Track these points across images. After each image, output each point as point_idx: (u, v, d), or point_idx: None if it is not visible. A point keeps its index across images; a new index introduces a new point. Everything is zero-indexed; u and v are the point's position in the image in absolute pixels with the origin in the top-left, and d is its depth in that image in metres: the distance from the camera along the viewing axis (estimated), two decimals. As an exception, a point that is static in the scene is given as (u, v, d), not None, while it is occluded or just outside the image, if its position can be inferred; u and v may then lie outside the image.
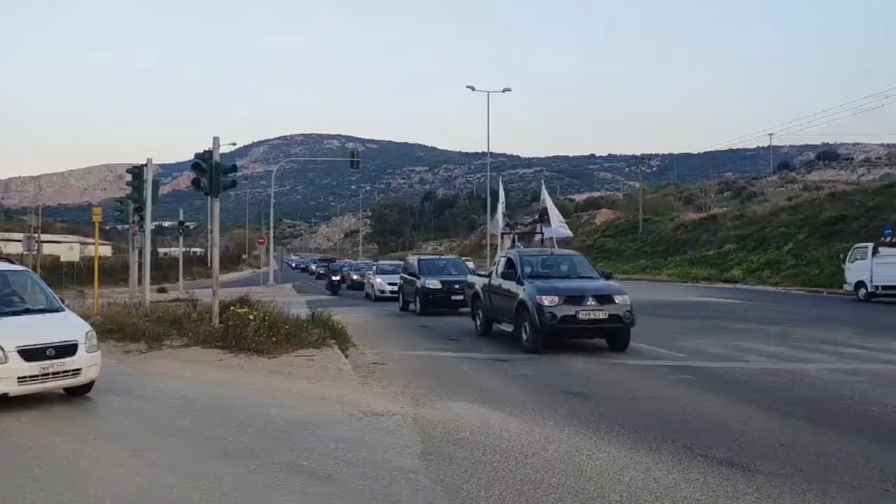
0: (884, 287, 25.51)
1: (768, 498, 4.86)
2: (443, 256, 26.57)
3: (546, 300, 11.56)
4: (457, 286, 19.41)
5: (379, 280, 28.46)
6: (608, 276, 13.79)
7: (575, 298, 11.67)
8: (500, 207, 21.81)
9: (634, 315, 11.96)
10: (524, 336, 12.01)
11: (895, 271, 25.30)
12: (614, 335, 12.06)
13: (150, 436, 6.58)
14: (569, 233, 20.29)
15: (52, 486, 5.07)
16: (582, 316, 11.53)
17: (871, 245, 26.88)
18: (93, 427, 7.10)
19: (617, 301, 11.80)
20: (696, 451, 6.00)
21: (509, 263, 13.58)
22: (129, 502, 4.80)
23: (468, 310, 18.04)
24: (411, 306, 21.76)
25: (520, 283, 12.58)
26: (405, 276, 22.94)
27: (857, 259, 27.39)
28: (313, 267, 72.78)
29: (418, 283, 20.88)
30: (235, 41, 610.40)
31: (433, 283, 20.46)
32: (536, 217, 19.66)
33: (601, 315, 11.61)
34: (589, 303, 11.62)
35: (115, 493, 4.93)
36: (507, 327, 13.08)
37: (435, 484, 5.11)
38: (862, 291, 26.50)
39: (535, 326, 11.61)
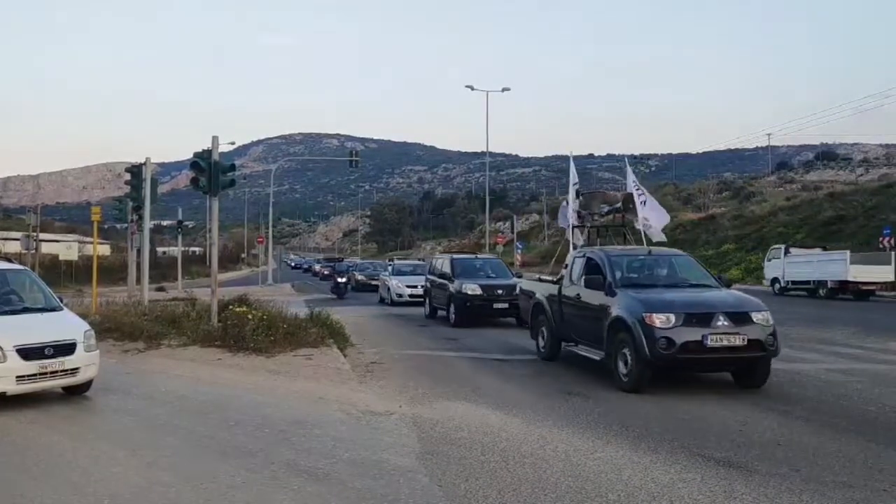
0: (793, 283, 29.92)
1: (765, 497, 4.87)
2: (479, 256, 22.16)
3: (658, 319, 8.36)
4: (500, 292, 16.80)
5: (396, 282, 25.07)
6: (728, 284, 10.37)
7: (699, 317, 8.44)
8: (571, 192, 16.36)
9: (779, 340, 8.89)
10: (622, 368, 8.78)
11: (802, 269, 29.60)
12: (751, 368, 8.84)
13: (149, 435, 6.58)
14: (666, 219, 15.08)
15: (51, 485, 5.08)
16: (712, 342, 8.25)
17: (783, 247, 31.63)
18: (91, 426, 7.10)
19: (756, 320, 8.57)
20: (693, 450, 6.01)
21: (592, 266, 10.20)
22: (128, 501, 4.80)
23: (511, 320, 16.72)
24: (440, 313, 18.74)
25: (610, 293, 9.35)
26: (433, 278, 19.58)
27: (772, 258, 31.67)
28: (317, 267, 65.46)
29: (452, 288, 17.50)
30: (235, 40, 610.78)
31: (472, 288, 16.97)
32: (619, 205, 14.87)
33: (738, 341, 8.35)
34: (720, 323, 8.36)
35: (114, 492, 4.94)
36: (589, 353, 9.92)
37: (433, 483, 5.12)
38: (776, 286, 30.73)
39: (643, 357, 8.36)
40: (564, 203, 16.93)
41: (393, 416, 7.25)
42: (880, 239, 31.36)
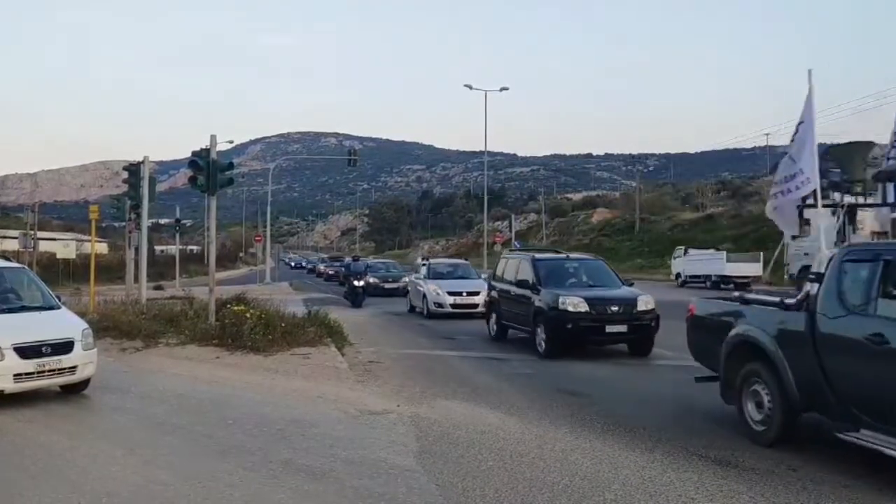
0: (690, 277, 37.34)
1: (762, 497, 4.88)
2: (571, 256, 15.20)
3: None
4: (614, 309, 11.66)
5: (434, 288, 19.49)
6: None
7: None
8: (812, 152, 8.46)
9: None
10: None
11: (696, 266, 36.94)
12: None
13: (147, 433, 6.58)
14: None
15: (49, 484, 5.08)
16: None
17: (684, 247, 39.76)
18: (89, 425, 7.11)
19: None
20: (690, 450, 6.03)
21: None
22: (126, 500, 4.80)
23: (620, 346, 12.11)
24: (512, 334, 13.86)
25: None
26: (502, 286, 14.24)
27: (677, 257, 39.79)
28: (321, 267, 59.91)
29: (539, 302, 12.15)
30: (233, 39, 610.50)
31: (574, 304, 11.48)
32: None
33: None
34: None
35: (112, 490, 4.94)
36: None
37: (430, 482, 5.13)
38: (679, 280, 38.49)
39: None
40: (804, 175, 8.50)
41: (391, 415, 7.26)
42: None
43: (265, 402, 7.83)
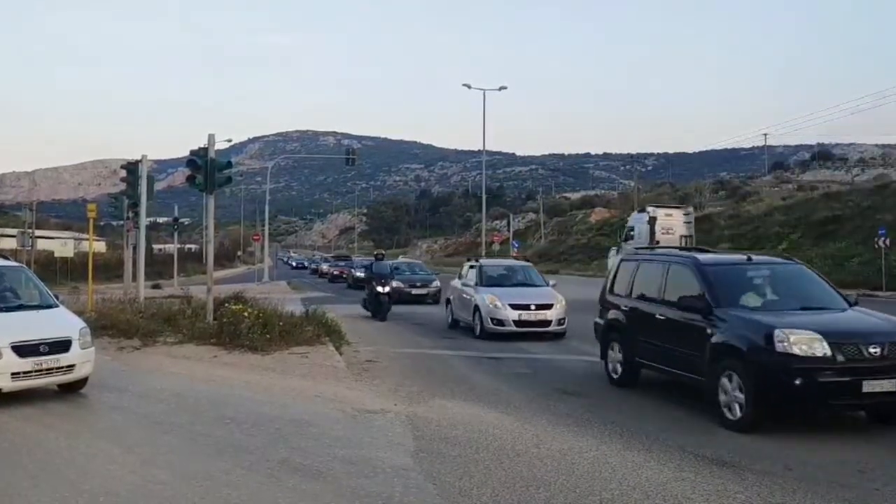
0: None
1: (759, 496, 4.90)
2: (755, 258, 9.07)
3: None
4: (874, 350, 6.58)
5: (491, 299, 14.39)
6: None
7: None
8: None
9: None
10: None
11: None
12: None
13: (144, 432, 6.59)
14: None
15: (46, 483, 5.08)
16: None
17: (616, 248, 40.55)
18: (87, 424, 7.11)
19: None
20: (687, 450, 6.04)
21: None
22: (123, 499, 4.81)
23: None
24: (645, 374, 9.15)
25: None
26: (630, 303, 9.42)
27: (609, 256, 40.20)
28: (325, 267, 55.54)
29: (721, 334, 7.36)
30: (232, 37, 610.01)
31: (804, 342, 6.59)
32: None
33: None
34: None
35: (110, 489, 4.95)
36: None
37: (427, 481, 5.14)
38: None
39: None
40: None
41: (388, 414, 7.27)
42: (876, 240, 31.47)
43: (263, 402, 7.84)
